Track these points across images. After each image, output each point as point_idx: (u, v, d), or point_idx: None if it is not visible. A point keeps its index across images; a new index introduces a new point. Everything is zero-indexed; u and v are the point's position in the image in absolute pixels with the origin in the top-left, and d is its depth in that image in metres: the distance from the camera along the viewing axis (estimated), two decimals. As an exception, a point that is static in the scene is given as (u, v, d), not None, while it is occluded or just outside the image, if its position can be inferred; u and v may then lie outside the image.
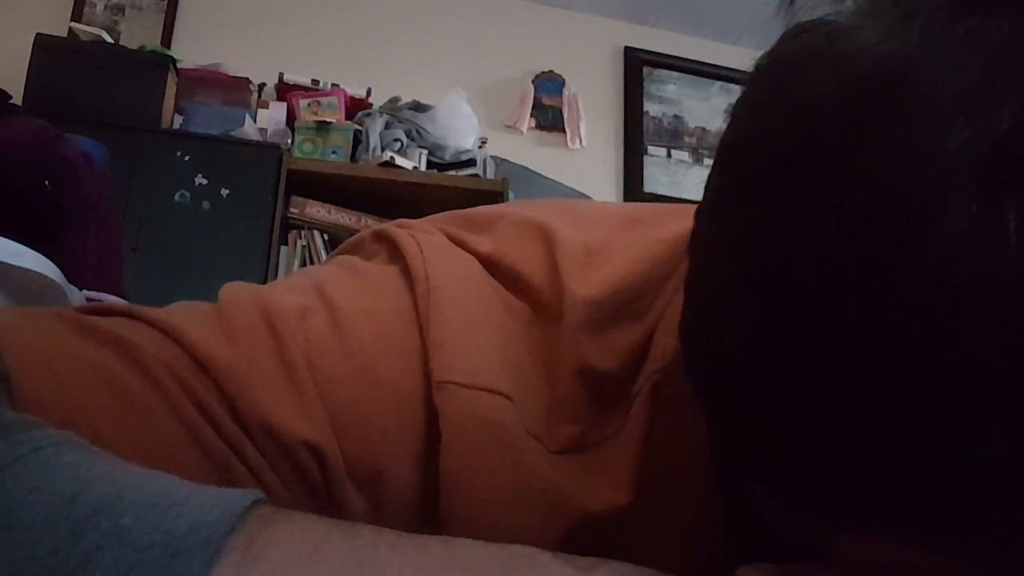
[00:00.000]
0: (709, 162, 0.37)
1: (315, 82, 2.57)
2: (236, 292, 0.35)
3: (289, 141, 2.42)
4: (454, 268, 0.36)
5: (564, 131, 2.96)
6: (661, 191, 2.96)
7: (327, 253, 2.13)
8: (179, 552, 0.21)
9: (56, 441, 0.24)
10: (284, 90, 2.55)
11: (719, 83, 3.12)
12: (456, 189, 2.37)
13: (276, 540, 0.22)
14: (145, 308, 0.33)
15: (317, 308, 0.34)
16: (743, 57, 0.34)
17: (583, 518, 0.33)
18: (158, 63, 2.33)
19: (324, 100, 2.50)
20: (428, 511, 0.33)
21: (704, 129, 3.10)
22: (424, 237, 0.37)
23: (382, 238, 0.38)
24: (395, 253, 0.37)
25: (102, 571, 0.20)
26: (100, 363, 0.30)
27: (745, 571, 0.27)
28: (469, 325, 0.34)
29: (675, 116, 3.12)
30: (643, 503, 0.34)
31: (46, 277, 0.87)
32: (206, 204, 2.18)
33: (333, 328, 0.33)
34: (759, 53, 0.30)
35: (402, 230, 0.37)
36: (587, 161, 2.93)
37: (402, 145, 2.43)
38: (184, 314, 0.33)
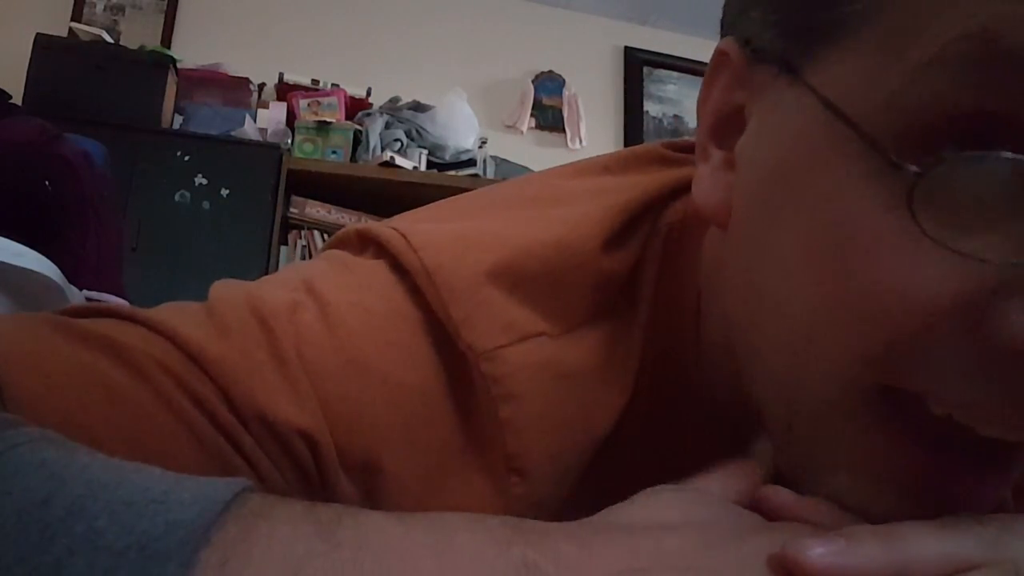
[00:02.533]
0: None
1: (315, 82, 2.57)
2: (226, 290, 0.35)
3: (289, 141, 2.42)
4: (445, 245, 0.36)
5: (564, 131, 2.96)
6: (661, 191, 2.96)
7: (327, 253, 2.13)
8: (154, 555, 0.20)
9: (31, 438, 0.24)
10: (284, 90, 2.55)
11: (719, 83, 3.12)
12: (456, 189, 2.35)
13: (252, 557, 0.21)
14: (134, 308, 0.33)
15: (307, 303, 0.34)
16: (743, 57, 0.34)
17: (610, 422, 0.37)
18: (158, 63, 2.33)
19: (324, 100, 2.50)
20: (429, 496, 0.34)
21: (704, 129, 3.10)
22: (409, 226, 0.37)
23: (365, 236, 0.38)
24: (381, 249, 0.37)
25: None
26: (91, 364, 0.30)
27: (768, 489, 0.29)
28: (481, 286, 0.35)
29: (675, 116, 3.12)
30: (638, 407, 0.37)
31: (46, 277, 0.87)
32: (206, 204, 2.18)
33: (323, 322, 0.33)
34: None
35: (382, 226, 0.38)
36: (587, 161, 2.93)
37: (402, 145, 2.43)
38: (174, 313, 0.33)
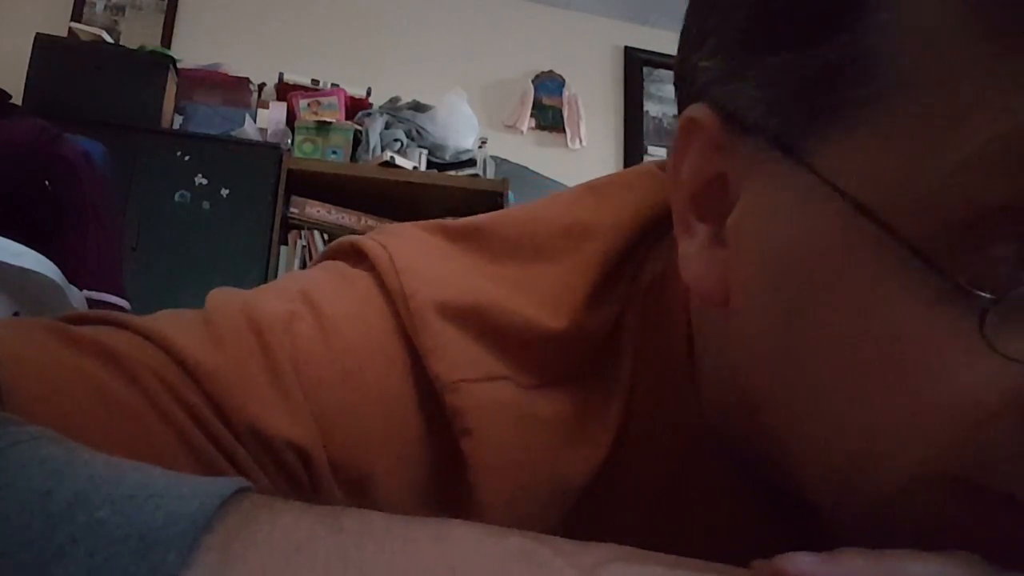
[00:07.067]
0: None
1: (315, 82, 2.57)
2: (222, 299, 0.35)
3: (289, 141, 2.42)
4: (427, 277, 0.36)
5: (564, 131, 2.96)
6: (661, 191, 2.97)
7: (327, 253, 2.13)
8: (155, 543, 0.20)
9: (33, 435, 0.24)
10: (284, 90, 2.55)
11: (719, 83, 3.13)
12: (456, 189, 2.37)
13: (255, 540, 0.22)
14: (130, 316, 0.33)
15: (303, 314, 0.34)
16: (743, 57, 0.34)
17: (570, 479, 0.36)
18: (158, 63, 2.34)
19: (324, 100, 2.50)
20: (419, 512, 0.34)
21: (704, 129, 3.10)
22: (396, 244, 0.37)
23: (359, 249, 0.38)
24: (369, 262, 0.37)
25: (76, 564, 0.20)
26: (88, 372, 0.30)
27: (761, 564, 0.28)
28: (451, 326, 0.35)
29: (675, 116, 3.11)
30: (623, 458, 0.36)
31: (46, 277, 0.87)
32: (206, 204, 2.18)
33: (319, 333, 0.33)
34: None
35: (372, 240, 0.38)
36: (587, 161, 2.93)
37: (402, 145, 2.44)
38: (170, 322, 0.33)
